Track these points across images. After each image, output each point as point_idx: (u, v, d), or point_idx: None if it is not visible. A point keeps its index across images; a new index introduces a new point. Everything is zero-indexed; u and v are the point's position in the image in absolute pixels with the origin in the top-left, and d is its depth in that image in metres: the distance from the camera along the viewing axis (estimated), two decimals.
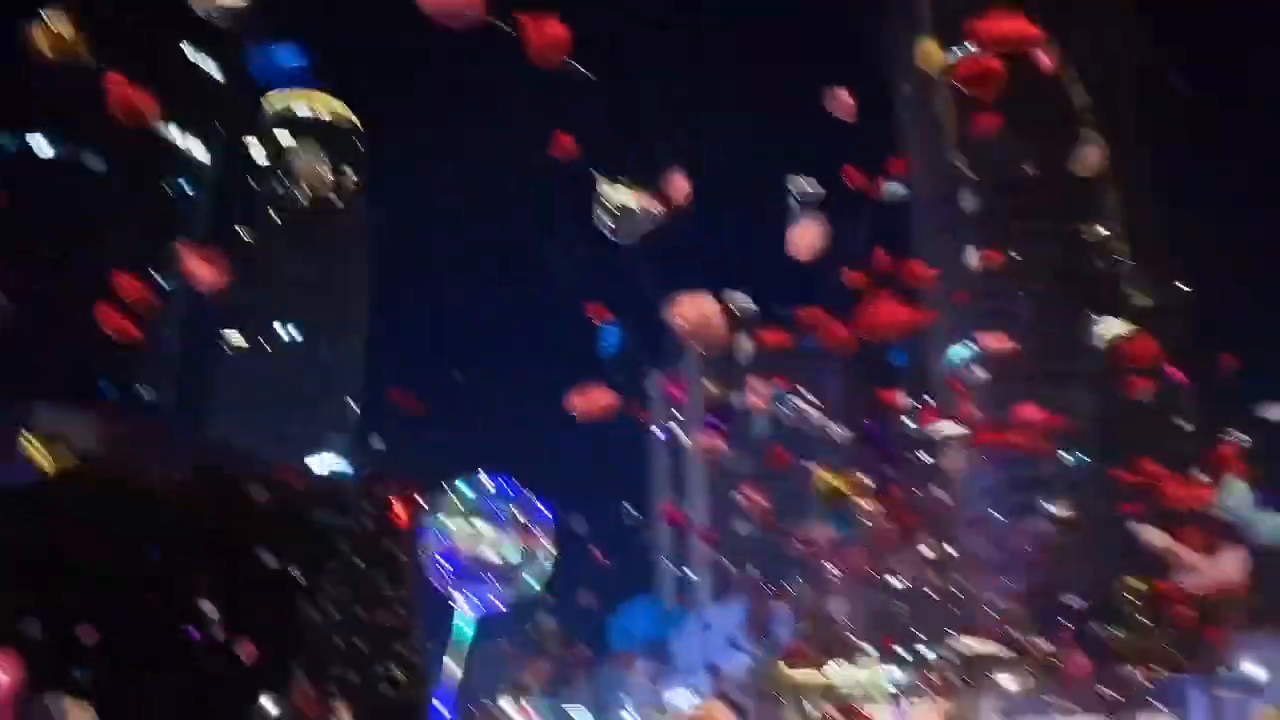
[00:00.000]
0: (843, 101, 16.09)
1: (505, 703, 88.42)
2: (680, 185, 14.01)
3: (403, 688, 24.04)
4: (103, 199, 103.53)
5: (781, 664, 57.95)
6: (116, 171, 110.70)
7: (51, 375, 72.55)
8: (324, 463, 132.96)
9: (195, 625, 30.06)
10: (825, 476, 18.31)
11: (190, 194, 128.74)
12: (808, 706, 59.63)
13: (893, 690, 59.17)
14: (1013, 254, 67.47)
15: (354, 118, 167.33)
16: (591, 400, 15.38)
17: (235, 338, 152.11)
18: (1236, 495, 9.96)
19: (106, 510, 31.86)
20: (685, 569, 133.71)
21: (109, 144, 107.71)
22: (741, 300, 19.38)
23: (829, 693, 46.64)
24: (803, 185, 17.33)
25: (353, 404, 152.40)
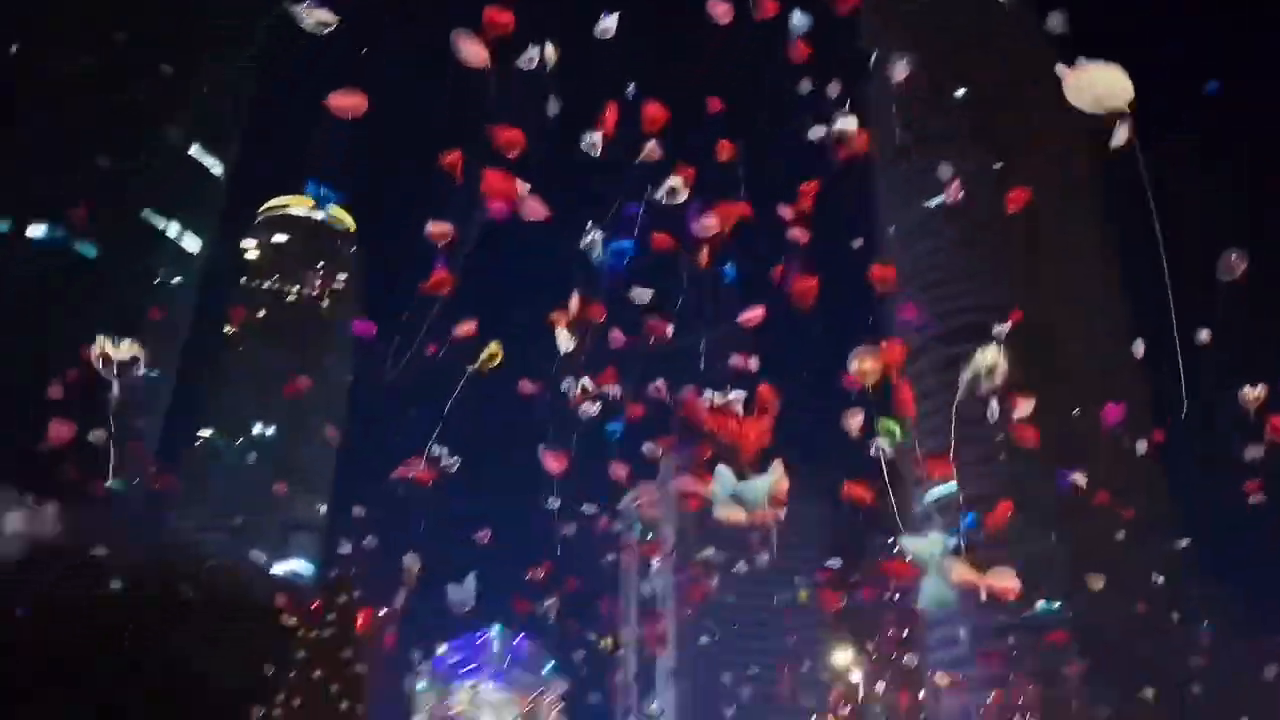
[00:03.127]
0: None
1: None
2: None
3: None
4: (84, 283, 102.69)
5: None
6: (104, 256, 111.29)
7: (16, 460, 71.10)
8: (287, 565, 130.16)
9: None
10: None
11: (174, 284, 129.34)
12: None
13: None
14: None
15: (349, 220, 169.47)
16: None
17: (209, 432, 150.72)
18: (722, 482, 11.46)
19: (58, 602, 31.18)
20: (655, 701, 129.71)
21: (94, 226, 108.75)
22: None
23: None
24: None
25: (321, 508, 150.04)
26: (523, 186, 14.84)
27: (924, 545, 11.18)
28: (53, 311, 64.50)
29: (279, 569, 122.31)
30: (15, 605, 31.26)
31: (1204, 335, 22.43)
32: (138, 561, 38.82)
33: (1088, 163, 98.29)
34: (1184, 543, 62.69)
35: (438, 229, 16.06)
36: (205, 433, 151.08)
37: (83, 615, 29.80)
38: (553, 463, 17.54)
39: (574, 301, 16.15)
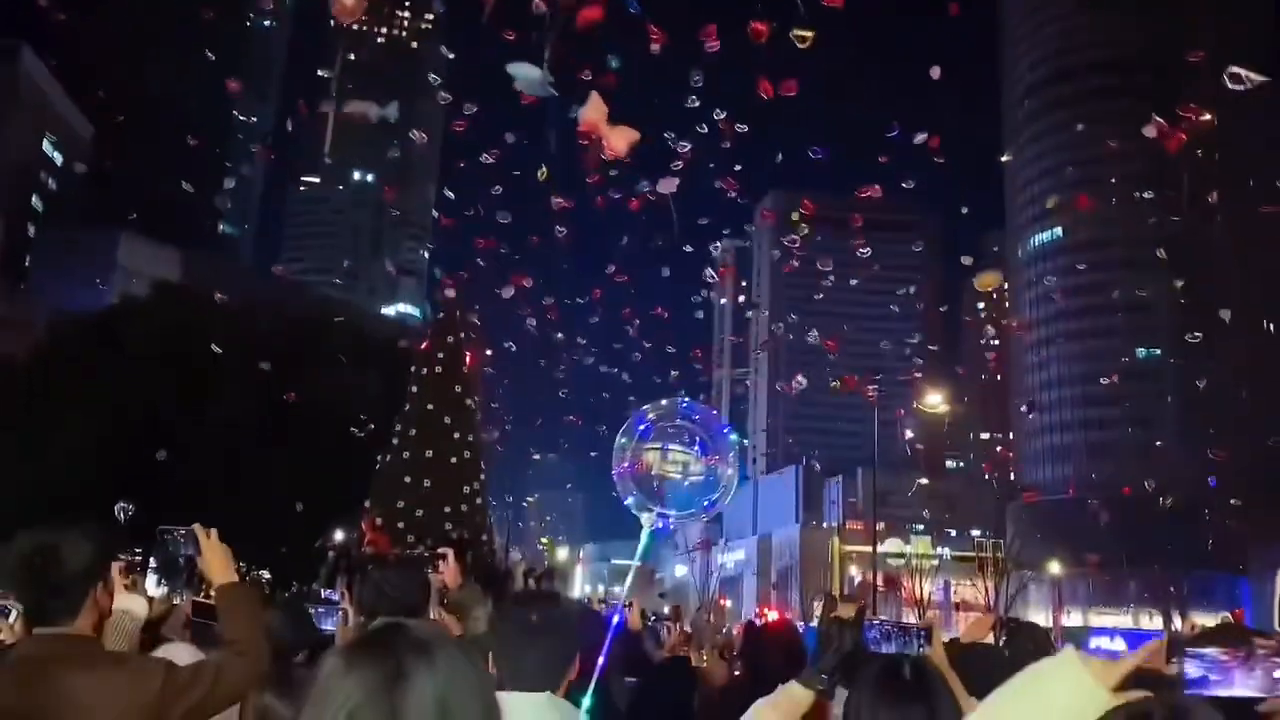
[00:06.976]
0: None
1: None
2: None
3: (470, 525, 24.75)
4: (179, 25, 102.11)
5: (835, 537, 58.77)
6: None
7: (139, 210, 74.25)
8: (396, 307, 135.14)
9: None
10: None
11: (266, 26, 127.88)
12: (854, 572, 60.73)
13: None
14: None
15: None
16: None
17: (312, 179, 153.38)
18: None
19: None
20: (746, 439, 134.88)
21: None
22: None
23: (878, 562, 47.20)
24: None
25: (424, 252, 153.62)
26: None
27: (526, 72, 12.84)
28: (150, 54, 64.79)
29: (388, 311, 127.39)
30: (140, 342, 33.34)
31: None
32: (253, 302, 40.65)
33: None
34: None
35: None
36: (309, 179, 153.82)
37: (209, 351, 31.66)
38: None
39: None
